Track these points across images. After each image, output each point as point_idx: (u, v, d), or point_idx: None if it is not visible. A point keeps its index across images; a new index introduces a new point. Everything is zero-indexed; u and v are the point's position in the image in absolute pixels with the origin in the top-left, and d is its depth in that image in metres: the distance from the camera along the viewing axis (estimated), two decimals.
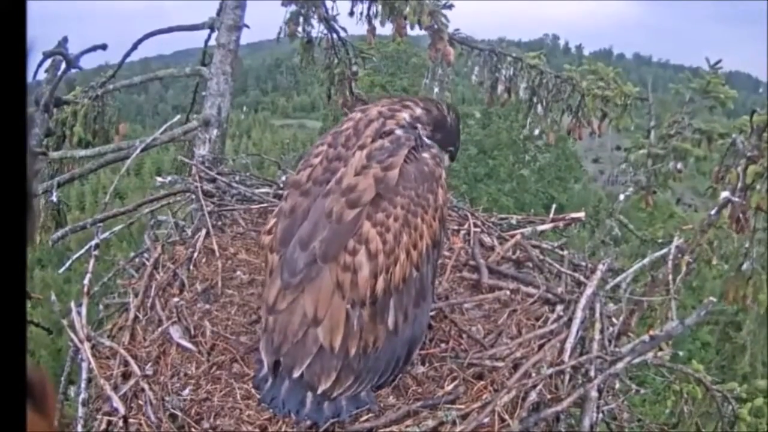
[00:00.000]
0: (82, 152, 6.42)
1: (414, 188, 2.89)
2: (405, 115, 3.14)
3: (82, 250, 4.59)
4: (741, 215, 5.57)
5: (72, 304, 3.56)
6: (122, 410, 2.93)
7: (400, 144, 2.97)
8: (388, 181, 2.84)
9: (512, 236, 4.45)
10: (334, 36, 7.72)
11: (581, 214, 4.85)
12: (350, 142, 3.00)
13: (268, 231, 3.00)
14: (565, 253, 4.32)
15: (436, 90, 7.56)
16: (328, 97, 8.23)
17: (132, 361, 3.19)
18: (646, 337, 3.35)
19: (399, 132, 3.03)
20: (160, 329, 3.44)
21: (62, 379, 3.87)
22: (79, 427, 3.17)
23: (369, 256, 2.72)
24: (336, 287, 2.70)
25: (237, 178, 5.30)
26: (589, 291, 3.64)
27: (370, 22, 7.33)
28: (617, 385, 3.63)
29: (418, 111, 3.22)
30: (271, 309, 2.80)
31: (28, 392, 0.92)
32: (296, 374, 2.72)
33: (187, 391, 3.03)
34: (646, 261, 4.82)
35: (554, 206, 5.00)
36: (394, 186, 2.84)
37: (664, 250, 4.99)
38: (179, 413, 2.89)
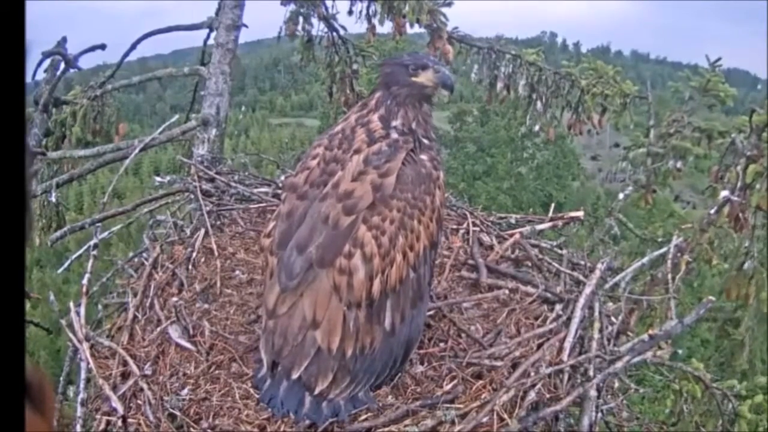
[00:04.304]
0: (81, 152, 6.41)
1: (411, 191, 2.88)
2: (377, 126, 3.02)
3: (81, 250, 4.59)
4: (740, 214, 5.56)
5: (71, 304, 3.55)
6: (121, 410, 2.93)
7: (398, 147, 2.94)
8: (384, 189, 2.82)
9: (511, 235, 4.45)
10: (334, 34, 7.72)
11: (580, 213, 4.84)
12: (344, 145, 2.99)
13: (268, 234, 3.01)
14: (564, 252, 4.32)
15: None
16: (329, 96, 8.23)
17: (131, 361, 3.19)
18: (645, 337, 3.36)
19: (396, 135, 3.01)
20: (158, 329, 3.43)
21: (61, 379, 3.87)
22: (78, 427, 3.17)
23: (364, 259, 2.73)
24: (333, 290, 2.72)
25: (236, 177, 5.30)
26: (588, 290, 3.64)
27: (369, 21, 7.32)
28: (616, 384, 3.63)
29: (382, 111, 3.05)
30: (271, 313, 2.81)
31: (26, 392, 0.92)
32: (294, 376, 2.74)
33: (185, 391, 3.03)
34: (645, 260, 4.82)
35: (553, 205, 5.00)
36: (391, 191, 2.84)
37: (664, 249, 4.99)
38: (178, 413, 2.89)
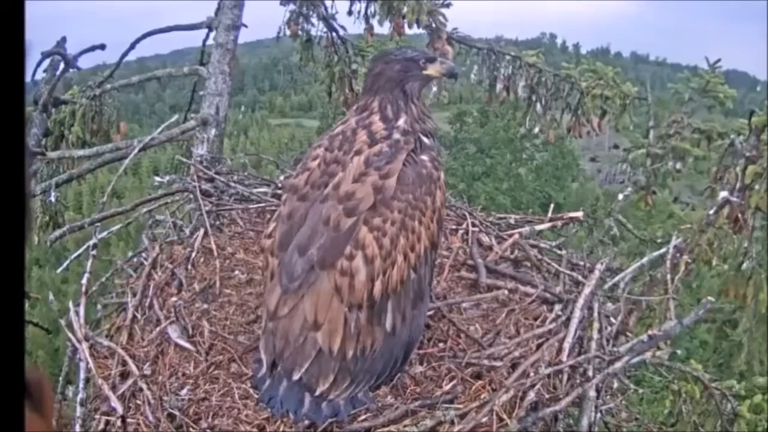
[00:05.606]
0: (80, 152, 6.40)
1: (411, 192, 2.88)
2: (380, 126, 3.02)
3: (80, 250, 4.59)
4: (739, 215, 5.56)
5: (70, 304, 3.55)
6: (120, 410, 2.92)
7: (399, 148, 2.94)
8: (386, 190, 2.82)
9: (510, 236, 4.45)
10: (334, 35, 7.71)
11: (579, 214, 4.85)
12: (345, 146, 2.98)
13: (268, 235, 3.01)
14: (564, 252, 4.33)
15: (434, 89, 7.52)
16: (329, 95, 8.22)
17: (130, 361, 3.19)
18: (644, 337, 3.36)
19: (398, 135, 3.00)
20: (158, 329, 3.43)
21: (60, 378, 3.86)
22: (77, 427, 3.17)
23: (366, 260, 2.73)
24: (334, 291, 2.71)
25: (235, 177, 5.30)
26: (587, 290, 3.64)
27: (367, 21, 7.31)
28: (615, 385, 3.63)
29: (386, 111, 3.04)
30: (272, 315, 2.81)
31: (26, 392, 0.92)
32: (295, 377, 2.74)
33: (185, 391, 3.03)
34: (644, 260, 4.84)
35: (552, 205, 5.00)
36: (392, 193, 2.84)
37: (663, 250, 5.00)
38: (177, 413, 2.89)
